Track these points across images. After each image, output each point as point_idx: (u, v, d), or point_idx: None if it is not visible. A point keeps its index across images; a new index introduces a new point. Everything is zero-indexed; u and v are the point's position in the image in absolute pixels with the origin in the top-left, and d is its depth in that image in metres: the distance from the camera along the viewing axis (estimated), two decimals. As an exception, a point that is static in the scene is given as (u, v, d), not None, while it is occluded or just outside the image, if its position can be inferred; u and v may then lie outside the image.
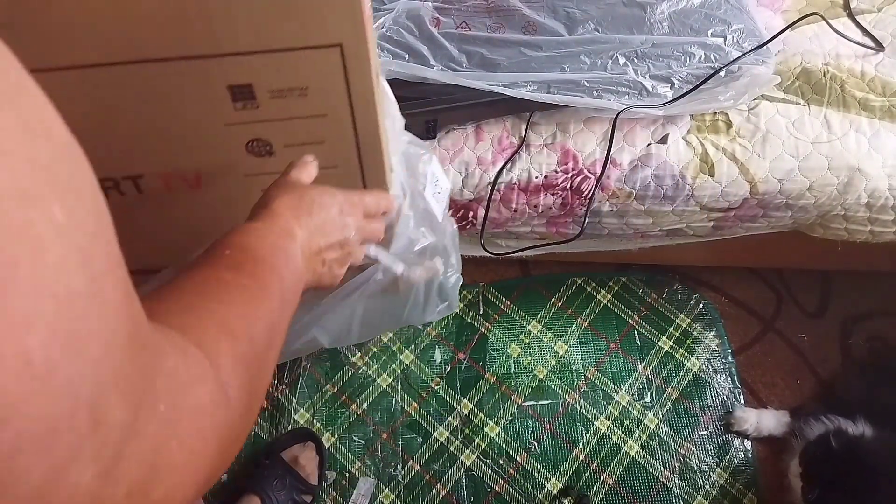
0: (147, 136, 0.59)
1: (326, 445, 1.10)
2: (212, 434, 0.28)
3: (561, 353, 1.20)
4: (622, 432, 1.13)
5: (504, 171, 0.93)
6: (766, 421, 1.10)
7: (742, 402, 1.16)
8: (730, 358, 1.20)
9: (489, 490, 1.08)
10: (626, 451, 1.11)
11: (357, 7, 0.52)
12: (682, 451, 1.11)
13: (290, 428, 1.11)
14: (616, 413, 1.14)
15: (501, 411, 1.14)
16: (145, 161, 0.62)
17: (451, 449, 1.11)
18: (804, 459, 0.95)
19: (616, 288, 1.26)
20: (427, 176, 0.74)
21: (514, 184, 0.93)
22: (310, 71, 0.57)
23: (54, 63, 0.50)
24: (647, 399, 1.15)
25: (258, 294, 0.40)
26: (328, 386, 1.16)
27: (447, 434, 1.12)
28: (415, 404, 1.14)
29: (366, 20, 0.54)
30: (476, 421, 1.13)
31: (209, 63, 0.54)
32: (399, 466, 1.09)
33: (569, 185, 0.93)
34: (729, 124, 0.93)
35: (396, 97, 0.69)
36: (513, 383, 1.16)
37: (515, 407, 1.14)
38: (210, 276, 0.40)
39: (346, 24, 0.53)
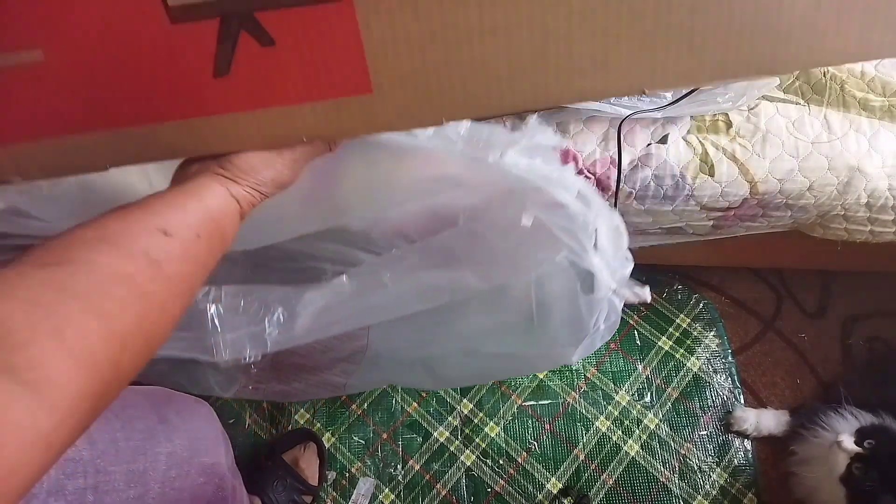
0: None
1: (326, 445, 1.10)
2: (27, 452, 0.28)
3: (561, 353, 1.20)
4: (622, 432, 1.13)
5: (504, 171, 0.92)
6: (766, 421, 1.10)
7: (742, 401, 1.16)
8: (730, 358, 1.20)
9: (489, 490, 1.08)
10: (626, 451, 1.11)
11: None
12: (682, 451, 1.11)
13: (290, 428, 1.11)
14: (616, 413, 1.14)
15: (501, 411, 1.14)
16: None
17: (451, 449, 1.11)
18: (861, 441, 0.91)
19: (616, 288, 1.26)
20: None
21: (514, 184, 0.93)
22: None
23: None
24: (647, 399, 1.15)
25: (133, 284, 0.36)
26: (328, 386, 1.16)
27: (447, 434, 1.12)
28: (415, 404, 1.14)
29: None
30: (476, 421, 1.13)
31: None
32: (399, 466, 1.09)
33: (569, 186, 0.93)
34: (729, 124, 0.93)
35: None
36: (513, 383, 1.16)
37: (515, 407, 1.14)
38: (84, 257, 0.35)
39: None
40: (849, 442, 0.91)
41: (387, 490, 1.08)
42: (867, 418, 0.95)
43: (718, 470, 1.10)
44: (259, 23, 0.42)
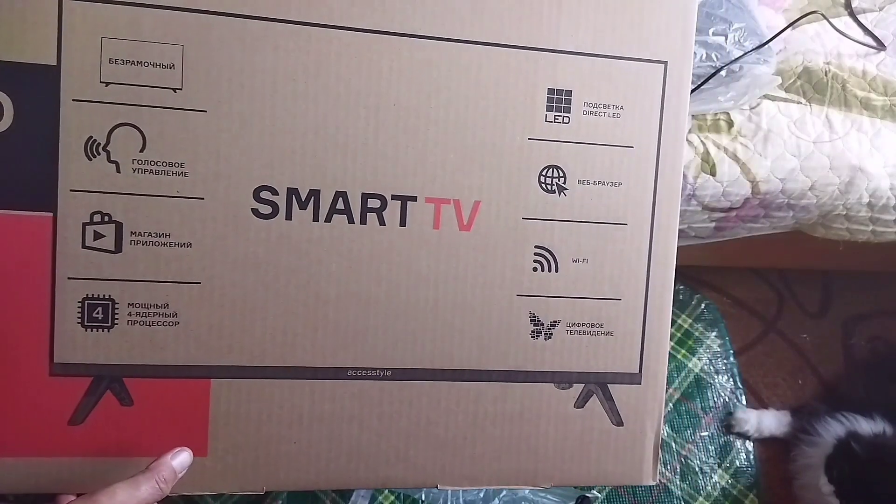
0: (437, 140, 0.52)
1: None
2: None
3: (562, 353, 1.19)
4: (623, 433, 1.12)
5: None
6: (767, 422, 1.10)
7: (744, 402, 1.16)
8: (731, 358, 1.20)
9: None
10: (627, 453, 1.11)
11: (689, 25, 0.53)
12: (684, 453, 1.11)
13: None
14: (617, 414, 1.14)
15: (502, 412, 1.13)
16: (425, 177, 0.53)
17: (452, 450, 1.10)
18: (832, 476, 0.91)
19: (617, 288, 1.26)
20: None
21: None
22: (628, 87, 0.53)
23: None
24: (649, 400, 1.15)
25: None
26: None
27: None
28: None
29: (691, 41, 0.53)
30: (477, 422, 1.12)
31: (539, 57, 0.51)
32: (399, 468, 1.09)
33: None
34: (730, 123, 0.93)
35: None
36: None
37: (516, 408, 1.14)
38: None
39: (676, 41, 0.53)
40: (825, 485, 0.92)
41: (387, 491, 1.07)
42: (859, 424, 0.94)
43: (720, 471, 1.09)
44: (125, 386, 0.50)
